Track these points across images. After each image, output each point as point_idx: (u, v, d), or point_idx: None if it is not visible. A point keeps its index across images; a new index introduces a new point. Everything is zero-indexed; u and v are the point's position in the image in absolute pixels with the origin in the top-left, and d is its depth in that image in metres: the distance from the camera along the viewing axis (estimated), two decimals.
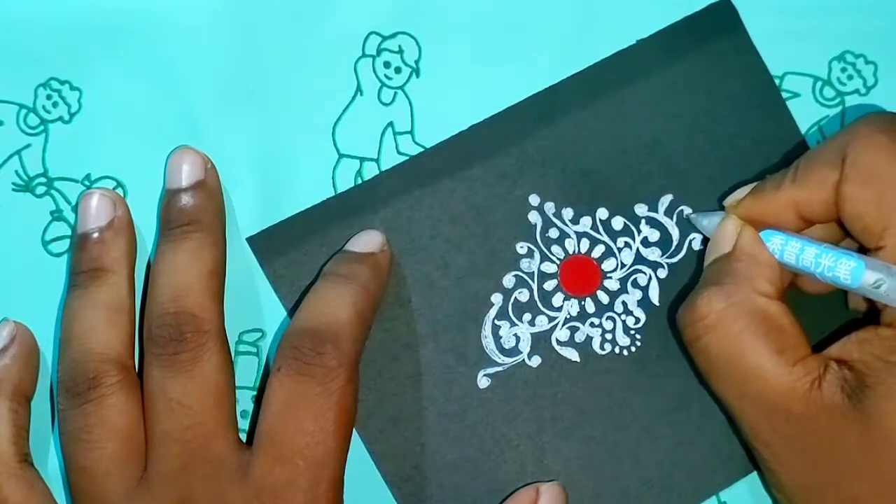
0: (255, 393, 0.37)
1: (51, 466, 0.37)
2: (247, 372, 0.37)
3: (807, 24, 0.39)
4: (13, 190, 0.38)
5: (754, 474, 0.37)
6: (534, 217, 0.38)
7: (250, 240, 0.37)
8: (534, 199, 0.38)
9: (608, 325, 0.38)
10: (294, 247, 0.37)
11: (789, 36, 0.38)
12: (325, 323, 0.34)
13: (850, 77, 0.39)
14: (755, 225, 0.34)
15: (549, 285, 0.38)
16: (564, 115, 0.38)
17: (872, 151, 0.32)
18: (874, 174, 0.31)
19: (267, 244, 0.38)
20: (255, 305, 0.38)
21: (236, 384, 0.36)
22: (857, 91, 0.39)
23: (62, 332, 0.36)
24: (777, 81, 0.38)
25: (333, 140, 0.38)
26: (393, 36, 0.38)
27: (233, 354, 0.37)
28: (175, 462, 0.34)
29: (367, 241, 0.37)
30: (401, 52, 0.38)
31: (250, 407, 0.37)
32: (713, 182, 0.38)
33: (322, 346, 0.34)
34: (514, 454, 0.37)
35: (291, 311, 0.37)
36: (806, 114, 0.38)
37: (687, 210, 0.38)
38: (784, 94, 0.38)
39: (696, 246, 0.38)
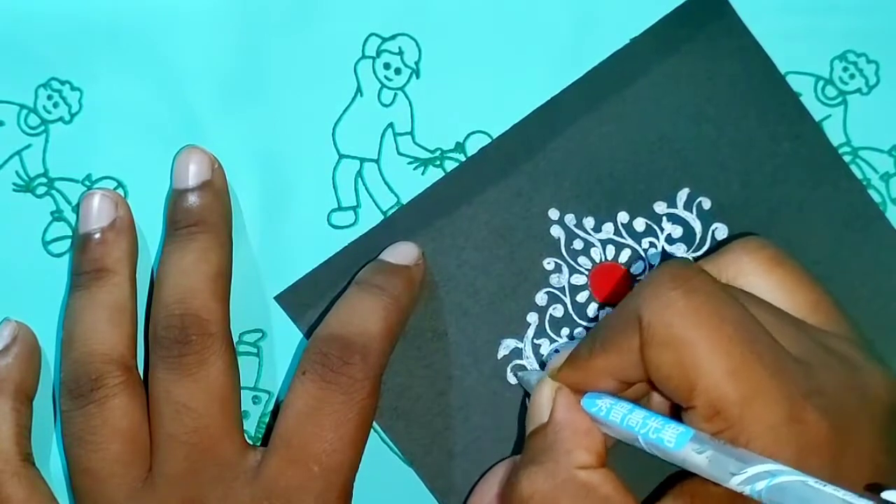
0: (255, 393, 0.38)
1: (52, 467, 0.37)
2: (247, 372, 0.37)
3: (808, 23, 0.38)
4: (14, 190, 0.38)
5: None
6: (556, 231, 0.38)
7: (279, 298, 0.37)
8: (553, 214, 0.38)
9: None
10: (323, 297, 0.37)
11: (790, 35, 0.38)
12: (355, 333, 0.34)
13: (851, 76, 0.39)
14: (578, 390, 0.33)
15: (582, 297, 0.38)
16: (570, 124, 0.38)
17: (665, 311, 0.29)
18: (670, 336, 0.29)
19: (295, 299, 0.37)
20: (255, 305, 0.38)
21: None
22: (859, 90, 0.39)
23: (64, 334, 0.36)
24: None
25: (333, 141, 0.38)
26: (393, 37, 0.38)
27: None
28: (181, 464, 0.34)
29: (403, 253, 0.37)
30: (401, 53, 0.38)
31: (250, 407, 0.38)
32: (726, 168, 0.38)
33: (350, 356, 0.34)
34: None
35: None
36: None
37: (706, 202, 0.38)
38: None
39: (720, 235, 0.38)
